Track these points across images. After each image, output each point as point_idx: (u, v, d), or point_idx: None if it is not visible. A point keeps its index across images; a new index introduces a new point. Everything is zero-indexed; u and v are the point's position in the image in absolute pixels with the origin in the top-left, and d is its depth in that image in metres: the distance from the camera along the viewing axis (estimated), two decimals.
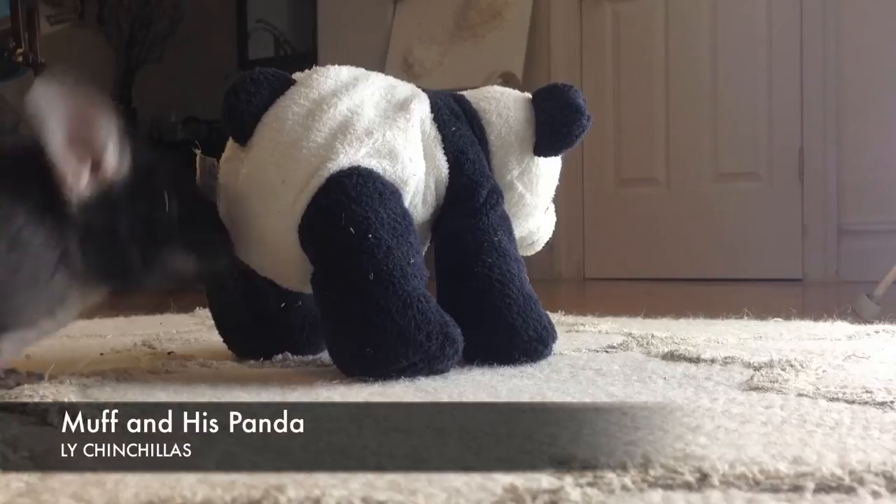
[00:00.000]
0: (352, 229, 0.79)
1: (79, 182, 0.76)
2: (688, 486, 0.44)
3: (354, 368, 0.79)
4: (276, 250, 0.86)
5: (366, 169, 0.83)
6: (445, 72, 3.26)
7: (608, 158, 3.17)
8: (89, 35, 3.94)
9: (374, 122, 0.86)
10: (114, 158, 0.77)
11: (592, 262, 3.19)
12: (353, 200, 0.80)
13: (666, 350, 0.96)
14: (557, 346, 0.93)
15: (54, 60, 2.29)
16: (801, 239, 2.86)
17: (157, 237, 0.80)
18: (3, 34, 2.20)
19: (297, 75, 0.90)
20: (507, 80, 3.04)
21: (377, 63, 3.30)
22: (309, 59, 3.80)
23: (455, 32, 3.32)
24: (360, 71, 0.93)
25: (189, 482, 0.46)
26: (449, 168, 0.90)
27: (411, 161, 0.87)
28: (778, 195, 2.90)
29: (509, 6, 3.25)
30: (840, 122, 2.80)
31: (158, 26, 4.20)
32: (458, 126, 0.93)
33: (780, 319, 1.33)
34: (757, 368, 0.82)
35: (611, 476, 0.45)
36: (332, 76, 0.89)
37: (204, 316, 1.48)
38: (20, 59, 2.17)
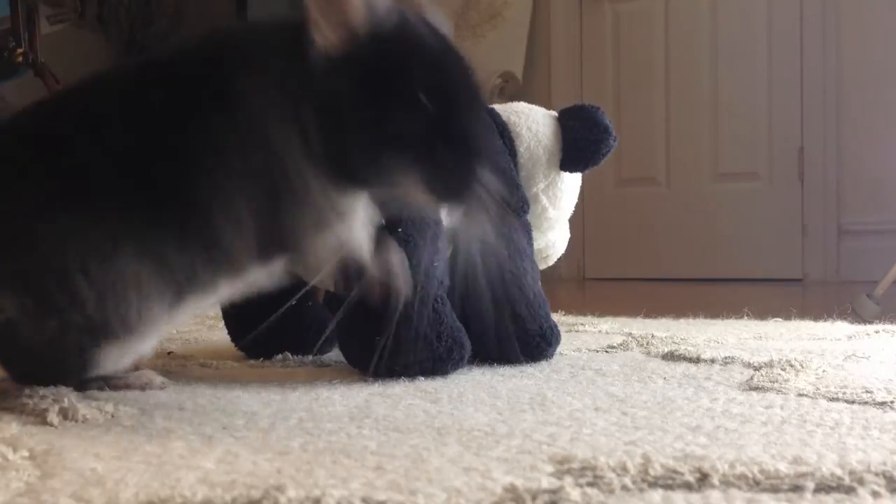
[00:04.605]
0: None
1: (333, 30, 0.61)
2: (688, 486, 0.44)
3: (360, 359, 0.79)
4: None
5: None
6: None
7: (608, 158, 3.17)
8: (89, 35, 3.94)
9: None
10: (377, 4, 0.61)
11: (592, 262, 3.19)
12: None
13: (666, 350, 0.96)
14: (557, 346, 0.93)
15: (54, 60, 2.30)
16: (801, 239, 2.86)
17: (401, 134, 0.61)
18: (3, 34, 2.20)
19: None
20: (507, 80, 3.04)
21: None
22: None
23: (455, 32, 3.32)
24: None
25: (189, 482, 0.46)
26: None
27: None
28: (778, 195, 2.90)
29: (509, 6, 3.25)
30: (840, 123, 2.80)
31: (158, 26, 4.20)
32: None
33: (780, 319, 1.33)
34: (757, 368, 0.82)
35: (611, 476, 0.45)
36: None
37: (204, 316, 1.48)
38: (20, 59, 2.18)
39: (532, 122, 1.00)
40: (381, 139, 0.61)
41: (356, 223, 0.67)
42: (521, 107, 1.03)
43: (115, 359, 0.69)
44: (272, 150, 0.62)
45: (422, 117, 0.61)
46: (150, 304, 0.65)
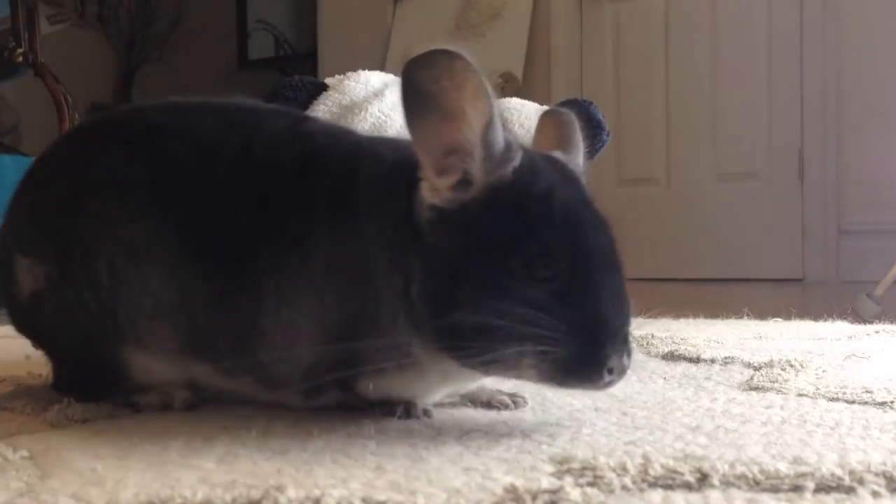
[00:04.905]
0: None
1: (444, 182, 0.55)
2: (688, 486, 0.44)
3: None
4: None
5: None
6: None
7: (608, 158, 3.16)
8: (89, 35, 3.94)
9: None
10: (496, 152, 0.55)
11: None
12: None
13: (666, 350, 0.96)
14: None
15: (54, 60, 2.30)
16: (801, 239, 2.86)
17: (514, 306, 0.53)
18: (3, 34, 2.20)
19: (329, 80, 0.91)
20: (507, 80, 3.04)
21: (377, 63, 3.30)
22: (309, 59, 3.80)
23: (455, 32, 3.32)
24: (390, 77, 0.95)
25: (189, 482, 0.46)
26: None
27: None
28: (778, 195, 2.90)
29: (509, 6, 3.25)
30: (840, 122, 2.80)
31: (158, 26, 4.21)
32: None
33: (780, 319, 1.33)
34: (757, 368, 0.82)
35: (611, 476, 0.45)
36: (363, 82, 0.91)
37: None
38: (20, 59, 2.18)
39: (524, 119, 0.99)
40: (487, 308, 0.53)
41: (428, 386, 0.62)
42: (514, 102, 1.03)
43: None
44: (371, 285, 0.58)
45: (542, 287, 0.53)
46: (160, 325, 0.64)
